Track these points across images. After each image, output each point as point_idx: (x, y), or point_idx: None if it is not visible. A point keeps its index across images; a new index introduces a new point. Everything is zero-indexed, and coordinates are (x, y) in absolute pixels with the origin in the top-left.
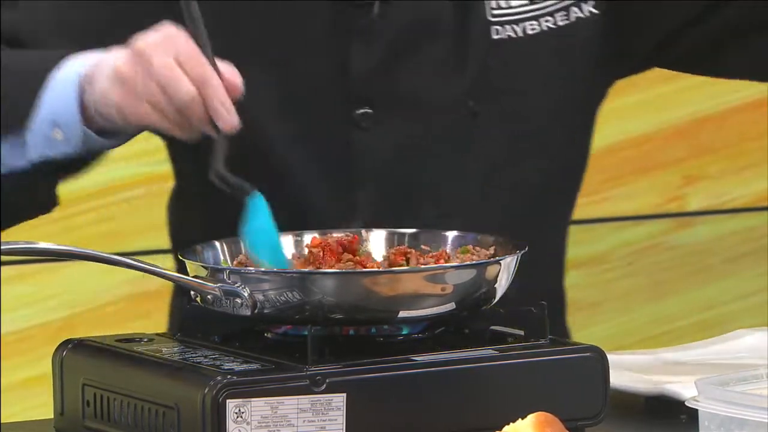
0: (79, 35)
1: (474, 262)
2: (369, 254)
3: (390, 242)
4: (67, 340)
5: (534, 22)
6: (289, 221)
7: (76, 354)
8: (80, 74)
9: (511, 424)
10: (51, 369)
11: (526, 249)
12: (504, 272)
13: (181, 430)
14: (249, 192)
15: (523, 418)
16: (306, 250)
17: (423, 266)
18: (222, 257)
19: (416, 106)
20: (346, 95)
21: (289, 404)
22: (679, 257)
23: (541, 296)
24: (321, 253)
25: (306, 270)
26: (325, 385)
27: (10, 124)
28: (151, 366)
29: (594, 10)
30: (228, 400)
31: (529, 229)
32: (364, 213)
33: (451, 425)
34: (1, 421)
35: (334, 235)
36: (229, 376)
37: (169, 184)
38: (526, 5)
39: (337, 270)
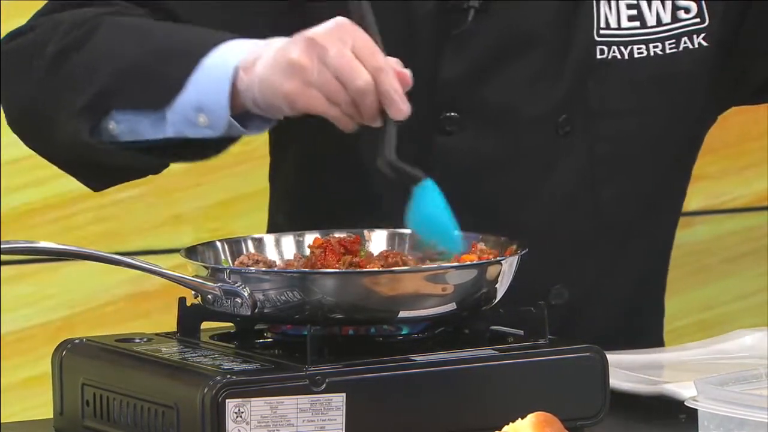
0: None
1: (475, 262)
2: (371, 255)
3: (391, 243)
4: (67, 340)
5: (642, 46)
6: (363, 220)
7: (76, 354)
8: (236, 65)
9: (510, 424)
10: (51, 369)
11: (527, 249)
12: (505, 272)
13: (180, 429)
14: (420, 179)
15: (522, 418)
16: (308, 251)
17: (424, 266)
18: (223, 257)
19: (504, 116)
20: (435, 98)
21: (289, 404)
22: (678, 257)
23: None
24: (323, 254)
25: (306, 270)
26: (324, 385)
27: (151, 100)
28: (151, 366)
29: (704, 43)
30: (227, 400)
31: (606, 254)
32: None
33: (450, 425)
34: (1, 421)
35: (336, 235)
36: (228, 376)
37: (169, 183)
38: (636, 27)
39: (337, 270)
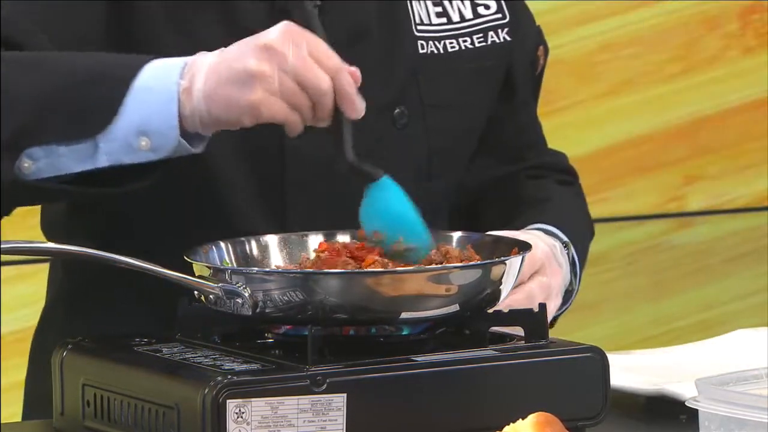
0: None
1: (479, 262)
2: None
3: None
4: (67, 340)
5: (453, 41)
6: (213, 221)
7: (76, 354)
8: (178, 83)
9: (511, 424)
10: (51, 369)
11: (530, 249)
12: (509, 273)
13: (181, 430)
14: (379, 177)
15: (523, 418)
16: (312, 252)
17: (427, 266)
18: (225, 257)
19: None
20: None
21: (290, 404)
22: (679, 257)
23: None
24: (328, 258)
25: (308, 270)
26: (325, 385)
27: (83, 131)
28: (151, 366)
29: (508, 37)
30: (228, 400)
31: None
32: (294, 220)
33: (451, 425)
34: (1, 421)
35: (339, 238)
36: (229, 376)
37: None
38: (444, 23)
39: (339, 270)
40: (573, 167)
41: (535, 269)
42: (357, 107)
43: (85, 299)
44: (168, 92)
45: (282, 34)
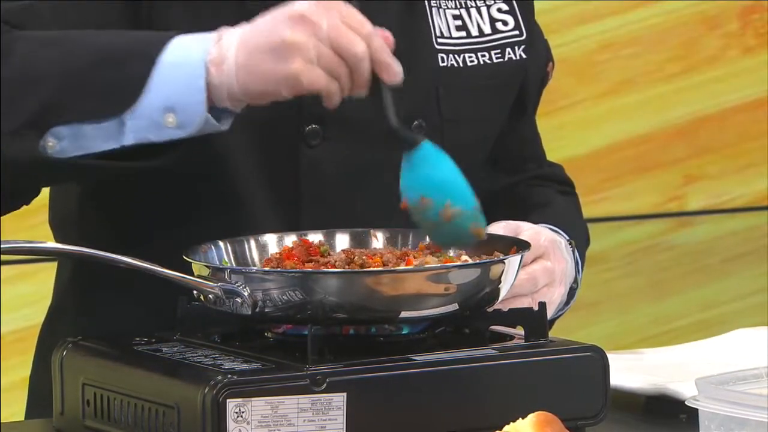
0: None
1: (478, 261)
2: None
3: (393, 242)
4: (67, 340)
5: (472, 55)
6: (228, 230)
7: (76, 354)
8: (205, 58)
9: (511, 423)
10: (51, 369)
11: (529, 248)
12: (508, 272)
13: (181, 429)
14: (420, 142)
15: (523, 418)
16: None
17: (426, 266)
18: (225, 257)
19: (363, 126)
20: (298, 110)
21: (290, 404)
22: (678, 257)
23: None
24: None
25: (307, 270)
26: (325, 385)
27: (110, 108)
28: (151, 365)
29: (524, 55)
30: (228, 400)
31: None
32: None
33: (451, 424)
34: (1, 421)
35: (338, 237)
36: (229, 376)
37: None
38: (464, 37)
39: (339, 270)
40: (570, 178)
41: (539, 253)
42: (394, 71)
43: (93, 296)
44: (195, 66)
45: (314, 3)
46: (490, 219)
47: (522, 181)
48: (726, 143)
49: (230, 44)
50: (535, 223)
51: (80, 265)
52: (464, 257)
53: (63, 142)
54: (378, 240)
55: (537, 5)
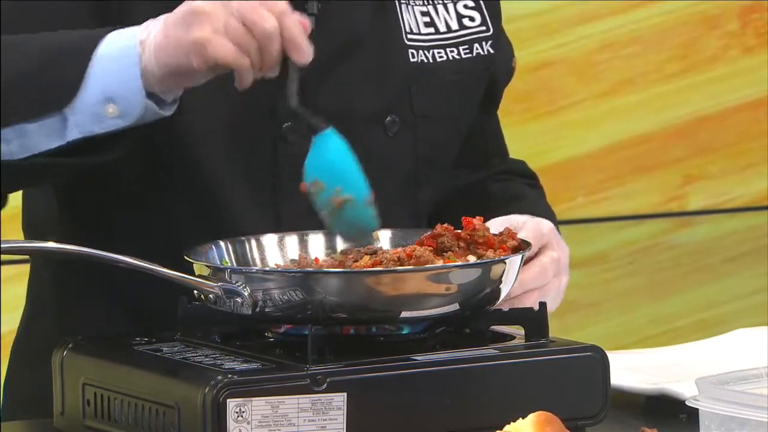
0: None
1: (478, 261)
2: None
3: (394, 242)
4: (67, 340)
5: (441, 51)
6: (212, 230)
7: (76, 354)
8: (135, 45)
9: (511, 423)
10: (51, 369)
11: (530, 248)
12: (509, 272)
13: (181, 429)
14: (323, 129)
15: (523, 417)
16: (312, 252)
17: (427, 266)
18: (225, 256)
19: (338, 119)
20: (274, 108)
21: (290, 403)
22: (679, 257)
23: None
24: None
25: (307, 269)
26: (325, 385)
27: (50, 105)
28: (152, 365)
29: (491, 50)
30: (228, 400)
31: None
32: (288, 225)
33: (451, 425)
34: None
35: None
36: (229, 376)
37: None
38: (432, 33)
39: (339, 270)
40: (534, 172)
41: (543, 243)
42: (303, 51)
43: (73, 298)
44: (129, 55)
45: None
46: (459, 215)
47: (489, 176)
48: (726, 143)
49: (155, 24)
50: (514, 214)
51: (61, 267)
52: (470, 257)
53: (10, 144)
54: (379, 240)
55: (537, 5)
